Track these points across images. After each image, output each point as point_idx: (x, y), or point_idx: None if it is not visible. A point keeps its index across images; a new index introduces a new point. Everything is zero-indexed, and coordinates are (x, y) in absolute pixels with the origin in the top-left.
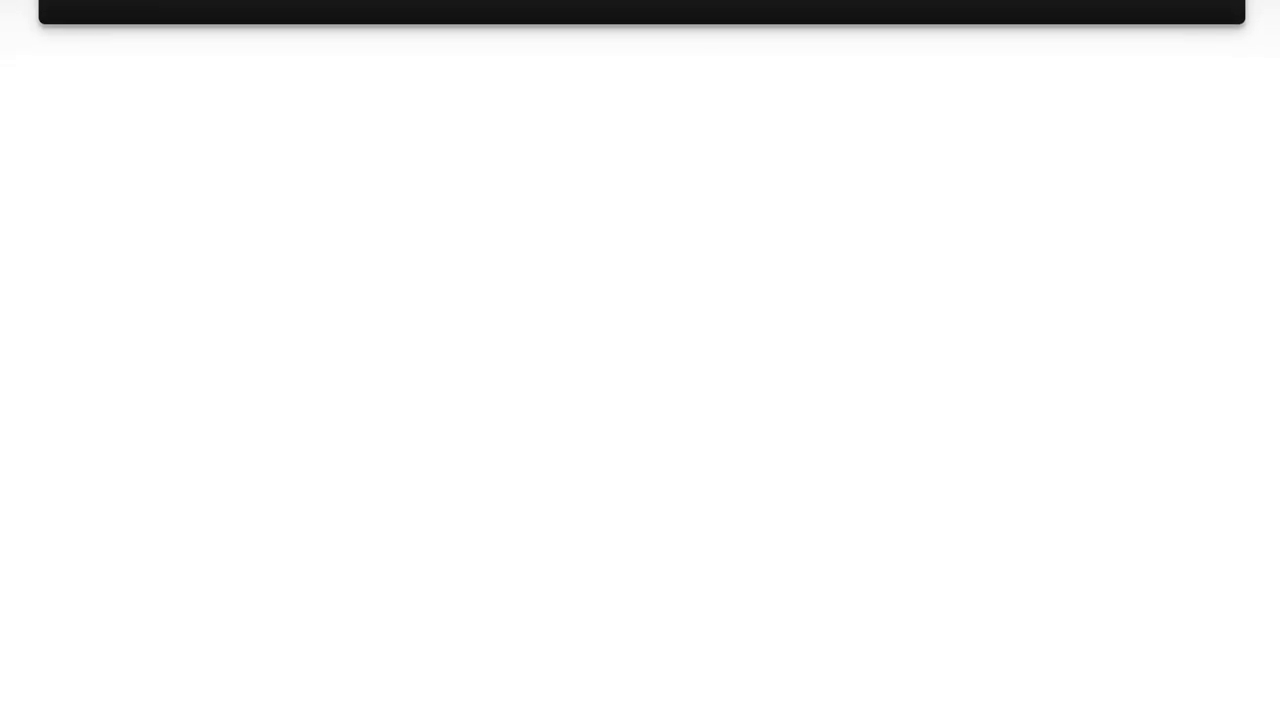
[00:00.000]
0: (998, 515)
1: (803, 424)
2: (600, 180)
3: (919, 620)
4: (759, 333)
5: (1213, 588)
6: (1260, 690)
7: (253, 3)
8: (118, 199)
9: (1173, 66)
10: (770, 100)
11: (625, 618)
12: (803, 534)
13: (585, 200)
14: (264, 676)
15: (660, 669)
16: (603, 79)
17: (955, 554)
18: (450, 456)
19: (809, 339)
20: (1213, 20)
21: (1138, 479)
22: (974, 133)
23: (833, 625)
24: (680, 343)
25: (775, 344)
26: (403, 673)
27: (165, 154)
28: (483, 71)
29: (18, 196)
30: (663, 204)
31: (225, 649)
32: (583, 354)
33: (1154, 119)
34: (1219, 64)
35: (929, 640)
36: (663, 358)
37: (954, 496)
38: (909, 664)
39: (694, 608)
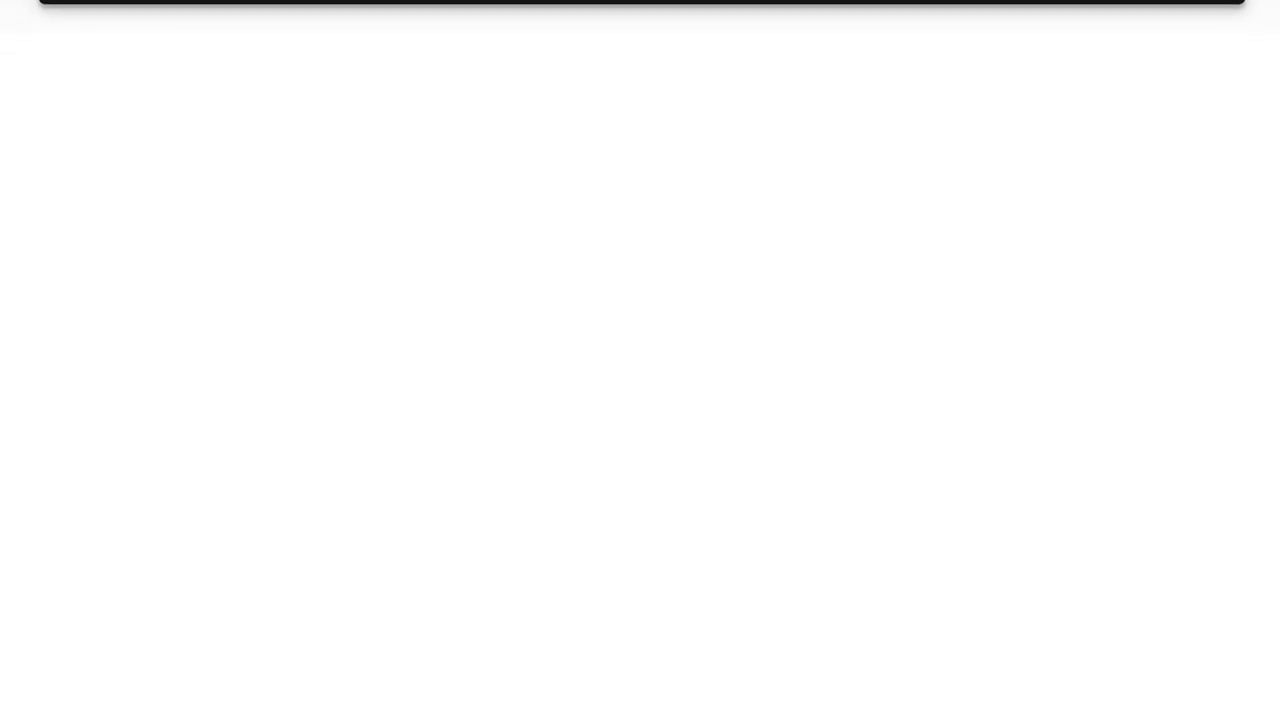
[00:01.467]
0: (994, 505)
1: (798, 409)
2: (594, 166)
3: (917, 620)
4: (760, 321)
5: (1212, 587)
6: (1259, 689)
7: None
8: (118, 179)
9: (1173, 47)
10: (764, 84)
11: (624, 617)
12: (800, 529)
13: (578, 187)
14: (262, 676)
15: (659, 668)
16: (596, 61)
17: (953, 552)
18: (442, 448)
19: (809, 326)
20: (1213, 0)
21: (1133, 468)
22: (973, 114)
23: (830, 624)
24: (679, 331)
25: (775, 332)
26: (401, 671)
27: (166, 134)
28: (483, 53)
29: (19, 177)
30: (656, 192)
31: (223, 649)
32: (576, 343)
33: (1154, 100)
34: (1219, 45)
35: (927, 640)
36: (658, 347)
37: (950, 487)
38: (907, 663)
39: (692, 606)
